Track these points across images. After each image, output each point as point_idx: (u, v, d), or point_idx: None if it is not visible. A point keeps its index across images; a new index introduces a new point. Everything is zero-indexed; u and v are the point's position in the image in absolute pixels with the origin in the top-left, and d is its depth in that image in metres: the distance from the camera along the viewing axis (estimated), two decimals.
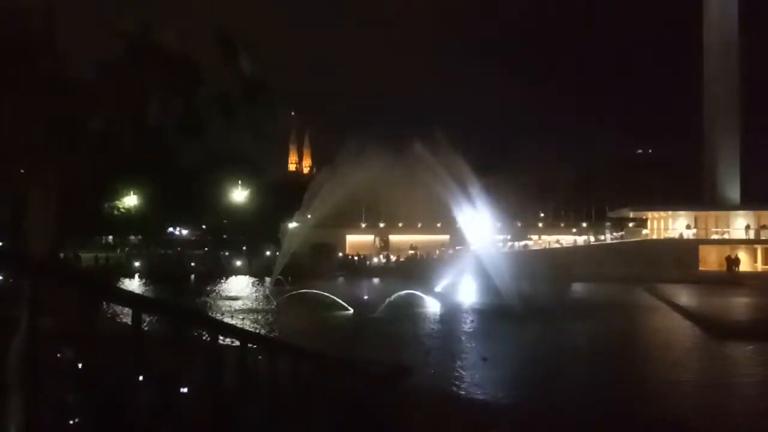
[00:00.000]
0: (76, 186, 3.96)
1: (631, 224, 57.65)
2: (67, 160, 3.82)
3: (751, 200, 52.05)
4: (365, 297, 29.05)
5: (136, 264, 48.08)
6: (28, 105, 3.69)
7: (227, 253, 54.27)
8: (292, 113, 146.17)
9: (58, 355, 3.22)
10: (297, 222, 44.54)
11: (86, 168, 4.23)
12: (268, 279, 36.89)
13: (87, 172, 4.29)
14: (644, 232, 55.50)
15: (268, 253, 51.85)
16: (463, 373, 14.72)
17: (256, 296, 31.62)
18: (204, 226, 66.21)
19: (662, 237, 52.82)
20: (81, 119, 4.04)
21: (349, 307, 24.91)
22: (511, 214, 52.88)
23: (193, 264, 49.45)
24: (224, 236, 60.94)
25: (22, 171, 3.84)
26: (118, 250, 57.08)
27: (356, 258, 52.11)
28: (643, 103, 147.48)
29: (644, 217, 57.71)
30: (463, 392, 13.01)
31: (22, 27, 3.76)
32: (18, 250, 3.69)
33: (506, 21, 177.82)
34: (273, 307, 26.66)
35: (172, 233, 68.47)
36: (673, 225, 53.43)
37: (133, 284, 37.73)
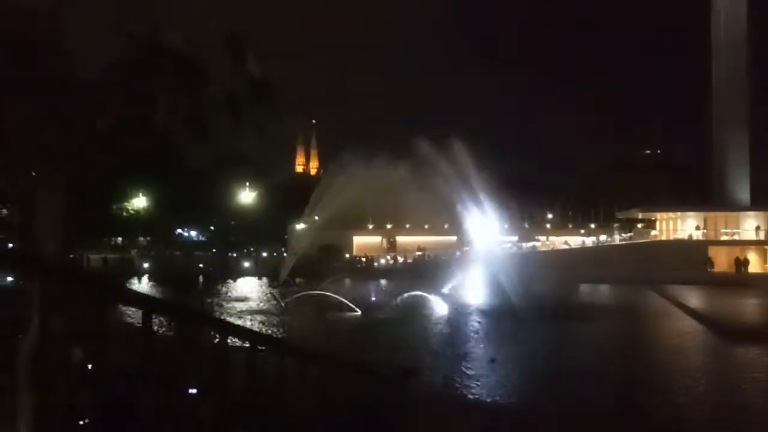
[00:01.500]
0: (85, 187, 3.99)
1: (639, 225, 57.36)
2: (75, 161, 3.84)
3: (761, 201, 51.59)
4: (372, 298, 29.04)
5: (145, 265, 48.32)
6: (37, 106, 3.72)
7: (235, 255, 54.42)
8: (299, 114, 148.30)
9: (68, 356, 3.22)
10: (304, 223, 44.60)
11: (95, 169, 4.26)
12: (275, 280, 36.95)
13: (95, 172, 4.33)
14: (653, 233, 55.17)
15: (275, 254, 51.95)
16: (471, 374, 14.67)
17: (264, 297, 31.67)
18: (212, 228, 66.45)
19: (671, 238, 52.48)
20: (89, 120, 4.07)
21: (357, 309, 24.89)
22: (518, 215, 52.73)
23: (201, 265, 49.61)
24: (232, 237, 61.11)
25: (32, 173, 3.87)
26: (132, 251, 57.36)
27: (363, 259, 52.10)
28: (651, 103, 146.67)
29: (653, 218, 57.37)
30: (470, 394, 12.96)
31: (30, 29, 3.79)
32: (28, 251, 3.72)
33: (508, 20, 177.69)
34: (281, 308, 26.70)
35: (180, 234, 68.75)
36: (683, 226, 53.06)
37: (142, 285, 37.90)
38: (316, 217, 39.97)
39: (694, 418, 11.49)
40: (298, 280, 34.50)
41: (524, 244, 51.80)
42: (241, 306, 27.52)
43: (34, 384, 2.84)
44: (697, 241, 49.04)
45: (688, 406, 12.25)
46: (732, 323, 22.09)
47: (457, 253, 48.56)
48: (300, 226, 46.82)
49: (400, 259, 52.23)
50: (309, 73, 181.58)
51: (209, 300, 29.57)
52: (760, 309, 27.78)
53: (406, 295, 25.86)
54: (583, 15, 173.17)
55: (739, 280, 41.27)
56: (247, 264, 50.09)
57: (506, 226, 46.30)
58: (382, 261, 52.26)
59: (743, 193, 52.68)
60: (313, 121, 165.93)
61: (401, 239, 57.18)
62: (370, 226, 57.88)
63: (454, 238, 51.51)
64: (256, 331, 5.55)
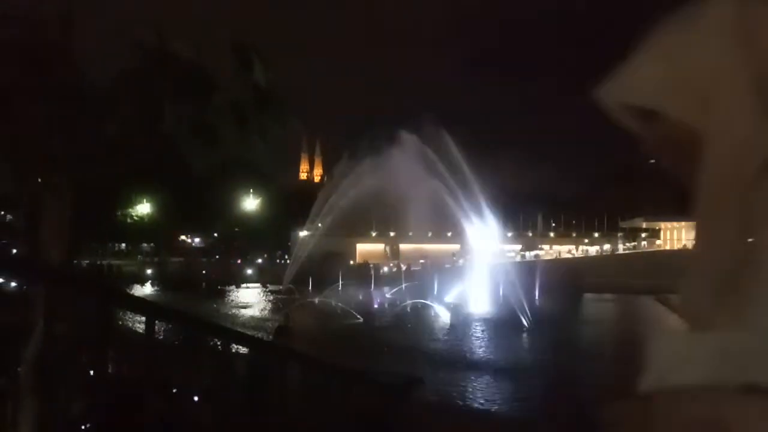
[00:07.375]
0: (91, 194, 3.99)
1: (643, 234, 57.27)
2: (81, 167, 3.85)
3: None
4: (375, 306, 28.98)
5: (149, 271, 48.43)
6: (44, 113, 3.73)
7: (238, 261, 54.44)
8: (304, 122, 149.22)
9: (72, 361, 3.23)
10: (307, 230, 44.65)
11: (100, 176, 4.26)
12: (278, 287, 36.95)
13: (101, 180, 4.33)
14: (657, 242, 55.05)
15: (278, 261, 51.99)
16: (475, 385, 14.61)
17: (267, 304, 31.65)
18: (215, 234, 66.53)
19: (675, 248, 52.34)
20: (96, 127, 4.07)
21: (359, 316, 24.84)
22: (522, 224, 52.64)
23: (204, 272, 49.65)
24: (235, 244, 61.16)
25: (38, 178, 3.87)
26: (138, 257, 57.45)
27: (367, 267, 52.04)
28: None
29: (657, 228, 57.28)
30: (474, 404, 12.91)
31: (39, 36, 3.81)
32: (33, 257, 3.71)
33: (507, 24, 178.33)
34: (283, 315, 26.65)
35: (183, 241, 68.85)
36: (687, 235, 52.91)
37: (145, 291, 37.93)
38: (320, 224, 40.02)
39: None
40: (301, 287, 34.48)
41: (528, 253, 51.70)
42: (243, 313, 27.50)
43: (37, 388, 2.84)
44: None
45: None
46: None
47: (460, 262, 48.50)
48: (303, 233, 46.87)
49: (403, 267, 52.13)
50: (316, 81, 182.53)
51: (212, 307, 29.55)
52: None
53: (409, 303, 25.84)
54: (582, 19, 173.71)
55: None
56: (250, 271, 50.12)
57: (510, 234, 46.28)
58: (385, 269, 52.18)
59: None
60: (304, 122, 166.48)
61: (404, 247, 57.15)
62: (374, 234, 57.90)
63: (457, 246, 51.46)
64: (258, 339, 5.55)
